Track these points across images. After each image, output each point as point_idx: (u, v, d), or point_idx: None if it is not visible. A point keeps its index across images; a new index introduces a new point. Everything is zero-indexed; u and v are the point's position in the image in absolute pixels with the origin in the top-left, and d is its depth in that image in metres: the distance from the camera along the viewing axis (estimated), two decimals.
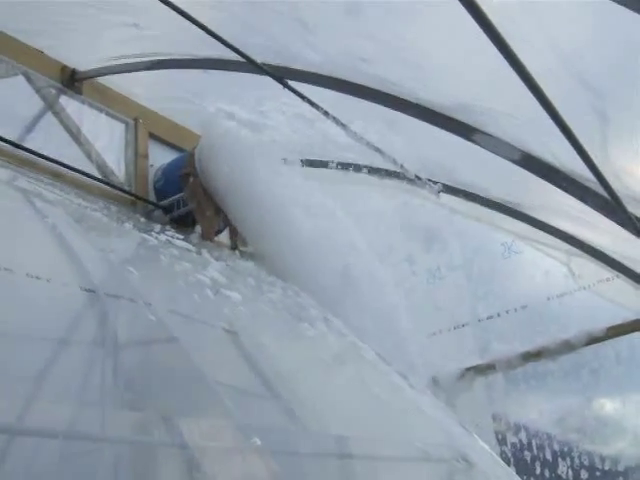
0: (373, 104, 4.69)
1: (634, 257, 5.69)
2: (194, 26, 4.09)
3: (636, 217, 4.49)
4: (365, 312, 4.82)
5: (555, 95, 3.38)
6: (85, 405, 2.11)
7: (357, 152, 5.75)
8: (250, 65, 4.45)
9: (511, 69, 3.16)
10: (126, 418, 2.16)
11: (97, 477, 1.86)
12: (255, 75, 4.76)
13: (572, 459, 6.32)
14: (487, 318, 6.72)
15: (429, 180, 5.62)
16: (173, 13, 3.92)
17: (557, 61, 3.68)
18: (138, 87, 5.54)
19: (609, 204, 4.36)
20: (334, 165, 6.11)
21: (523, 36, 3.15)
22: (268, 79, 4.66)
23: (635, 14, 3.15)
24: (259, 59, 4.47)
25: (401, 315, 5.19)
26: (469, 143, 4.50)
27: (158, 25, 4.60)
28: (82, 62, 5.15)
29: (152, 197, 5.54)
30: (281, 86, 4.67)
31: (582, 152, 3.77)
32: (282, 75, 4.59)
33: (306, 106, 4.97)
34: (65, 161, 4.78)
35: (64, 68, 5.13)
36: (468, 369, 6.63)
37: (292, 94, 4.75)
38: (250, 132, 5.27)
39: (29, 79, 4.93)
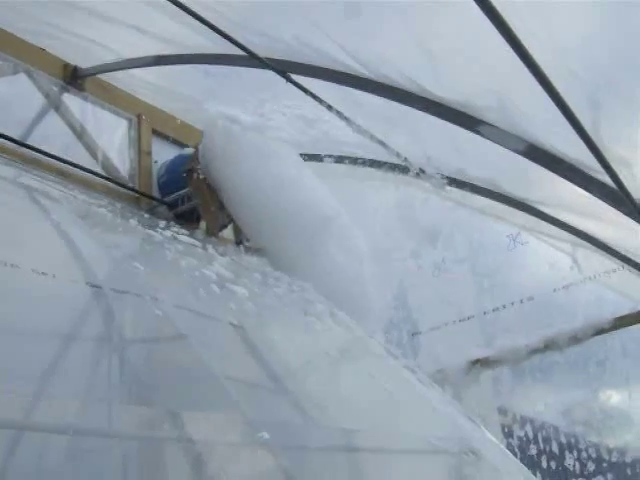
0: (376, 104, 4.69)
1: (637, 247, 5.68)
2: (196, 23, 4.08)
3: None
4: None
5: (557, 85, 3.39)
6: (93, 400, 2.10)
7: (361, 147, 5.74)
8: (252, 59, 4.44)
9: (515, 61, 3.17)
10: (134, 413, 2.15)
11: (105, 472, 1.86)
12: (255, 78, 4.77)
13: (579, 451, 6.34)
14: (493, 310, 6.73)
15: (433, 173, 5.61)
16: (174, 10, 3.92)
17: (559, 52, 3.66)
18: (140, 87, 5.55)
19: (614, 193, 4.35)
20: (338, 160, 6.11)
21: (527, 28, 3.14)
22: (268, 82, 4.66)
23: None
24: (261, 55, 4.46)
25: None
26: (474, 136, 4.49)
27: (159, 22, 4.59)
28: (84, 60, 5.15)
29: (156, 193, 5.53)
30: (282, 86, 4.65)
31: (589, 141, 3.76)
32: (284, 69, 4.58)
33: (307, 107, 4.97)
34: (69, 158, 4.78)
35: (66, 65, 5.13)
36: (474, 362, 6.63)
37: (292, 96, 4.75)
38: (253, 131, 5.27)
39: (31, 77, 4.92)
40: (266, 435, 2.31)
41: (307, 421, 2.87)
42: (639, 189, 4.44)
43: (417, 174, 5.56)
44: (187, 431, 2.19)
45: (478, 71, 4.16)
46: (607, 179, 4.23)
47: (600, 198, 4.49)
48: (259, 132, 5.25)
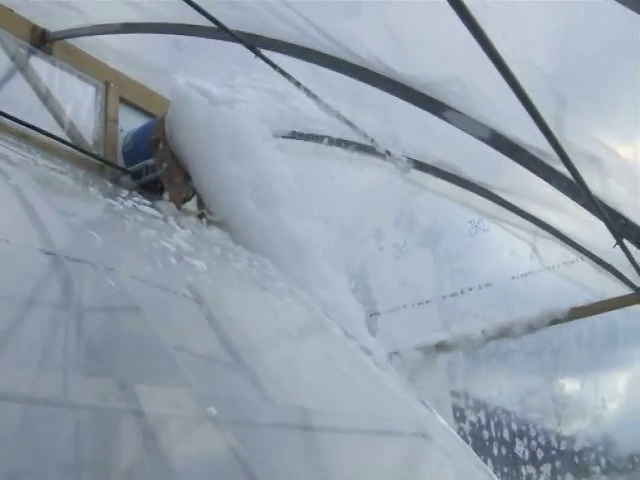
0: (345, 84, 4.69)
1: (596, 240, 5.74)
2: None
3: (599, 199, 4.54)
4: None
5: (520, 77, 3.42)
6: (44, 370, 2.09)
7: (328, 125, 5.74)
8: (222, 32, 4.41)
9: (481, 51, 3.18)
10: (84, 384, 2.14)
11: (55, 442, 1.85)
12: (226, 50, 4.74)
13: (529, 439, 6.41)
14: (451, 295, 6.76)
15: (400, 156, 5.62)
16: None
17: (523, 45, 3.69)
18: (109, 54, 5.49)
19: (573, 185, 4.39)
20: (305, 137, 6.10)
21: (493, 20, 3.16)
22: (239, 54, 4.64)
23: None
24: (232, 29, 4.44)
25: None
26: (442, 122, 4.51)
27: None
28: (53, 23, 5.08)
29: (121, 162, 5.49)
30: (253, 60, 4.63)
31: (548, 134, 3.79)
32: (254, 43, 4.55)
33: (277, 82, 4.96)
34: (33, 123, 4.72)
35: (34, 28, 5.05)
36: (431, 346, 6.67)
37: (263, 70, 4.73)
38: (220, 104, 5.23)
39: None
40: (214, 410, 2.31)
41: (260, 397, 2.87)
42: (605, 188, 4.50)
43: (383, 155, 5.57)
44: (138, 404, 2.18)
45: (444, 58, 4.18)
46: (566, 171, 4.27)
47: (559, 189, 4.54)
48: (228, 104, 5.22)
